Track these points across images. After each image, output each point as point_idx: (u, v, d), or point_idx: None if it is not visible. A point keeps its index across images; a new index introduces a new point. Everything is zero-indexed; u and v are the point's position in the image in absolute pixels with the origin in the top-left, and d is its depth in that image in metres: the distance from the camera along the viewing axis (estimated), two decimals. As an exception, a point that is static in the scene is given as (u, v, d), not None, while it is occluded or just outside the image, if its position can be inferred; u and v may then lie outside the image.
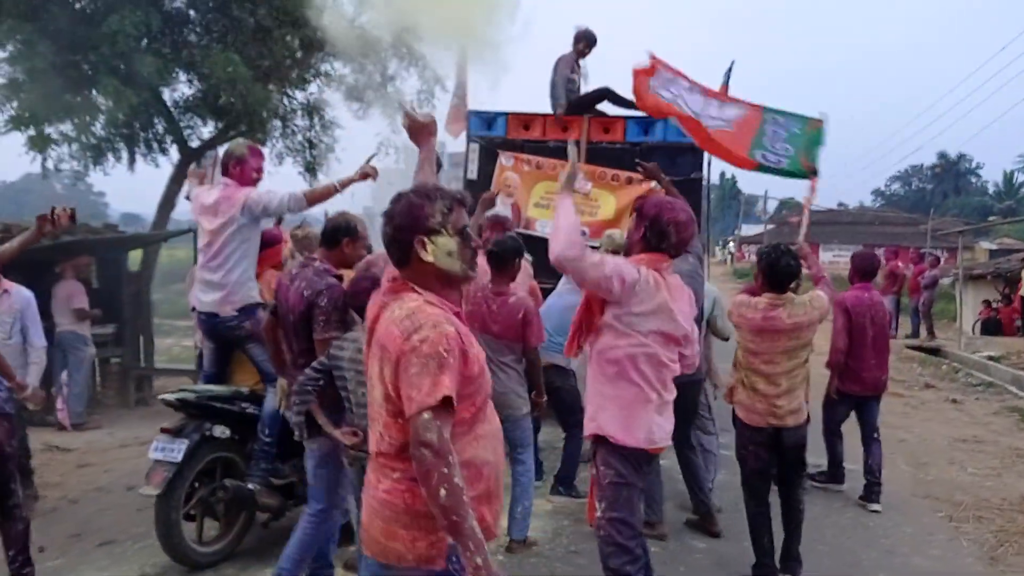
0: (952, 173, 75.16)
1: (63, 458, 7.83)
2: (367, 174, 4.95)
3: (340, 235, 4.38)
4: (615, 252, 6.58)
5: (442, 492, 2.06)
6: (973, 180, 76.69)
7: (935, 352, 16.99)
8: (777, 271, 4.64)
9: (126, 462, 7.57)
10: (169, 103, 11.50)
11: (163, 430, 4.79)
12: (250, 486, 4.91)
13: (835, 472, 6.88)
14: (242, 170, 5.10)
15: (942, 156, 72.81)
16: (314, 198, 5.05)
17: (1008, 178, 67.70)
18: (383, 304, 2.35)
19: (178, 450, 4.67)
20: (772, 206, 54.50)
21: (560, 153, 8.25)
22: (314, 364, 4.06)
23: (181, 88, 11.66)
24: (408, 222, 2.34)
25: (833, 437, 6.86)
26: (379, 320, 2.33)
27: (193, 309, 5.24)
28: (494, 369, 4.92)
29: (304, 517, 4.36)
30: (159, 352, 12.77)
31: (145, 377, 11.17)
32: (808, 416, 4.85)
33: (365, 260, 4.90)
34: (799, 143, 6.52)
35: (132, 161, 11.77)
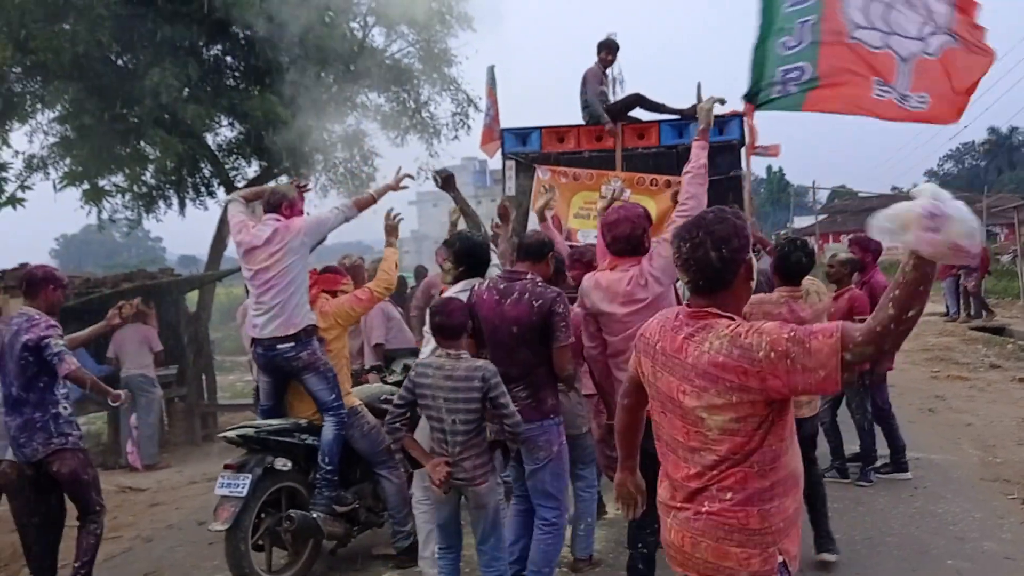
0: (1005, 148, 73.17)
1: (136, 498, 8.06)
2: (398, 184, 5.61)
3: (546, 250, 4.64)
4: None
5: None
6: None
7: (1000, 331, 16.55)
8: (790, 265, 4.73)
9: (195, 499, 7.79)
10: (213, 147, 11.84)
11: (227, 466, 4.93)
12: (314, 515, 5.03)
13: (898, 460, 6.76)
14: (292, 211, 5.40)
15: (992, 131, 70.96)
16: (361, 205, 5.57)
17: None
18: (688, 335, 2.36)
19: (243, 485, 4.80)
20: (823, 196, 53.66)
21: (596, 163, 8.29)
22: (396, 399, 4.14)
23: (223, 132, 12.02)
24: (743, 243, 2.36)
25: (891, 422, 6.75)
26: (684, 351, 2.35)
27: (253, 343, 5.32)
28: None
29: (537, 528, 4.40)
30: (222, 388, 13.07)
31: (210, 414, 11.44)
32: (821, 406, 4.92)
33: (426, 282, 4.98)
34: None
35: (182, 206, 12.14)
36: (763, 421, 2.26)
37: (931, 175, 78.04)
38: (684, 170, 4.01)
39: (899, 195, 53.48)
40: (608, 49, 8.71)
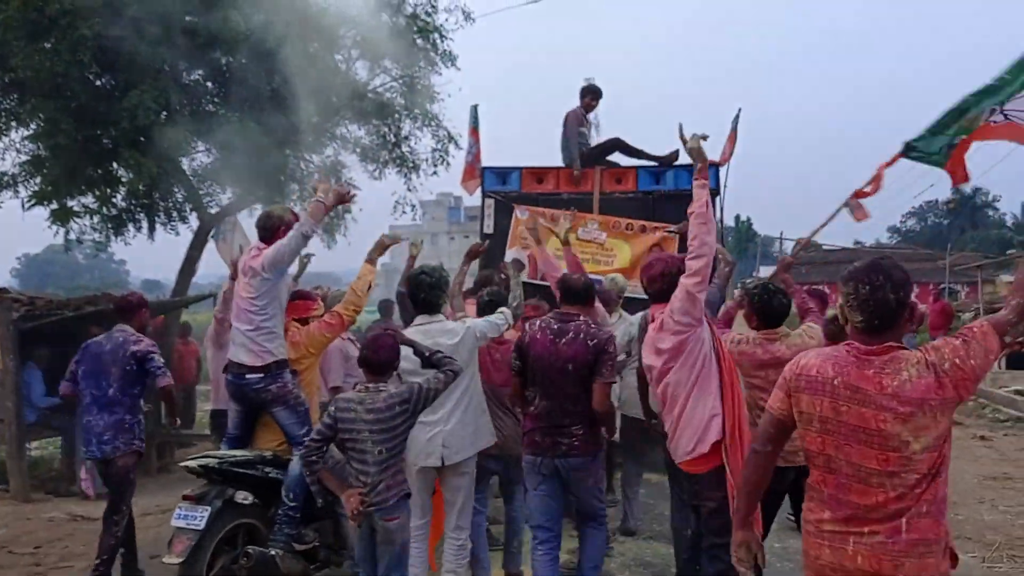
0: (968, 207, 74.78)
1: (87, 527, 7.79)
2: (342, 196, 5.38)
3: (592, 292, 5.08)
4: (619, 294, 6.71)
5: None
6: (991, 213, 76.26)
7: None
8: (772, 310, 4.77)
9: (148, 531, 7.53)
10: (188, 171, 11.74)
11: (185, 497, 4.79)
12: (272, 552, 4.88)
13: None
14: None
15: (956, 191, 72.52)
16: (316, 215, 5.10)
17: (1027, 210, 67.37)
18: (878, 368, 2.61)
19: (200, 517, 4.67)
20: (788, 246, 54.35)
21: (574, 205, 8.34)
22: (314, 434, 4.25)
23: (200, 157, 11.93)
24: (910, 289, 2.69)
25: None
26: (880, 383, 2.60)
27: (226, 368, 5.27)
28: (498, 413, 5.28)
29: (584, 527, 4.83)
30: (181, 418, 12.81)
31: (167, 443, 11.18)
32: None
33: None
34: None
35: (152, 230, 11.97)
36: (947, 434, 2.59)
37: (893, 231, 79.49)
38: (688, 210, 4.02)
39: (861, 249, 54.68)
40: (592, 94, 8.82)
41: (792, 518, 6.05)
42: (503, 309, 5.13)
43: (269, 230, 5.20)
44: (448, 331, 4.83)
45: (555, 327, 4.67)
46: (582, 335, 4.60)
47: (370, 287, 5.51)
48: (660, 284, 4.14)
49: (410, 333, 4.75)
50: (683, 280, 3.90)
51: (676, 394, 3.98)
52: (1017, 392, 14.06)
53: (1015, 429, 12.14)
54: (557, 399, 4.60)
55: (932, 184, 28.82)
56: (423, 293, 4.86)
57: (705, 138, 4.06)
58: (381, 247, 5.67)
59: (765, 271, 58.41)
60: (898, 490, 2.57)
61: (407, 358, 4.50)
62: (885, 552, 2.58)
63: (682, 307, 3.89)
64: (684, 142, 4.07)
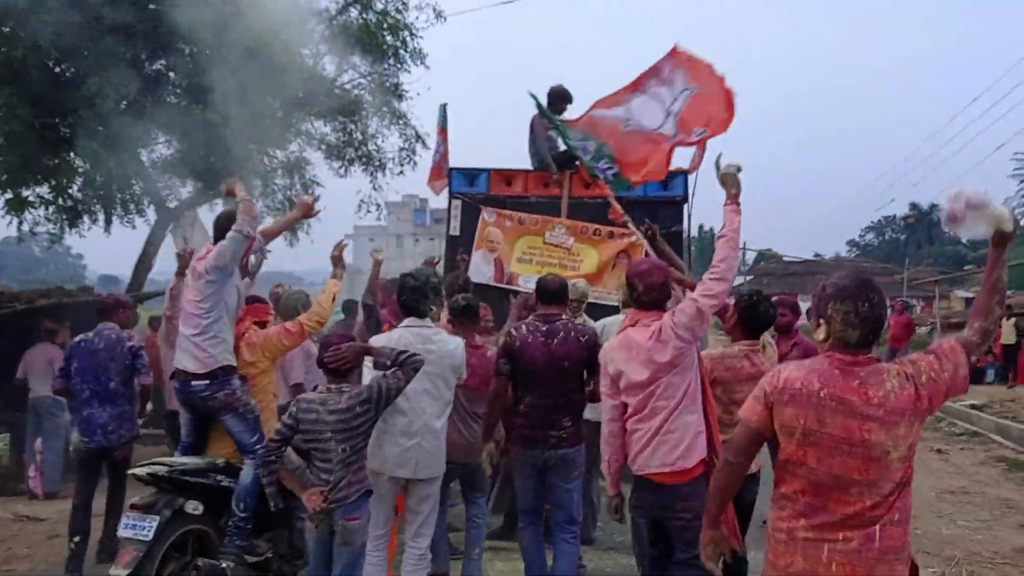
0: (924, 223, 76.30)
1: (33, 528, 7.54)
2: (307, 209, 5.52)
3: (567, 292, 5.23)
4: (579, 300, 6.57)
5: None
6: (946, 230, 77.72)
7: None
8: (758, 316, 4.63)
9: (98, 532, 7.27)
10: (147, 164, 11.47)
11: (133, 506, 4.60)
12: (223, 564, 4.71)
13: None
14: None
15: (914, 207, 73.95)
16: (246, 211, 4.98)
17: (982, 229, 68.62)
18: (862, 380, 2.69)
19: (148, 528, 4.49)
20: (750, 257, 54.92)
21: (542, 208, 8.26)
22: (273, 434, 4.27)
23: (160, 149, 11.67)
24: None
25: None
26: (865, 394, 2.67)
27: (173, 374, 5.13)
28: (467, 420, 5.22)
29: (559, 541, 4.91)
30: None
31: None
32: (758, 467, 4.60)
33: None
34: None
35: (108, 223, 11.68)
36: (916, 444, 2.71)
37: (852, 245, 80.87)
38: (719, 234, 4.01)
39: (821, 261, 55.46)
40: (561, 98, 8.72)
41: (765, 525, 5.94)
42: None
43: (227, 231, 5.00)
44: (444, 338, 4.69)
45: (544, 328, 4.89)
46: (573, 333, 4.88)
47: (334, 300, 5.42)
48: (658, 293, 4.11)
49: (399, 334, 4.63)
50: (699, 298, 3.89)
51: (660, 406, 3.92)
52: (972, 406, 14.26)
53: (971, 443, 12.28)
54: (551, 396, 4.84)
55: (892, 199, 29.34)
56: (404, 296, 4.70)
57: (740, 169, 4.04)
58: (337, 260, 5.59)
59: (727, 280, 58.83)
60: (875, 498, 2.65)
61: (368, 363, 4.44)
62: (859, 559, 2.63)
63: (690, 323, 3.87)
64: (717, 168, 4.05)
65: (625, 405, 4.08)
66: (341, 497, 4.13)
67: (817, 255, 61.91)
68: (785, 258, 54.84)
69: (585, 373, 4.93)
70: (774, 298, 6.21)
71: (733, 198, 3.98)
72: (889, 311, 20.28)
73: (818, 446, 2.69)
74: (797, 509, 2.75)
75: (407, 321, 4.71)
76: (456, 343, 4.76)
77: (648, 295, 4.10)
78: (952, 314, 24.08)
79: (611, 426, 4.13)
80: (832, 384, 2.69)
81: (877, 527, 2.64)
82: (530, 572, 5.00)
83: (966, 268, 39.60)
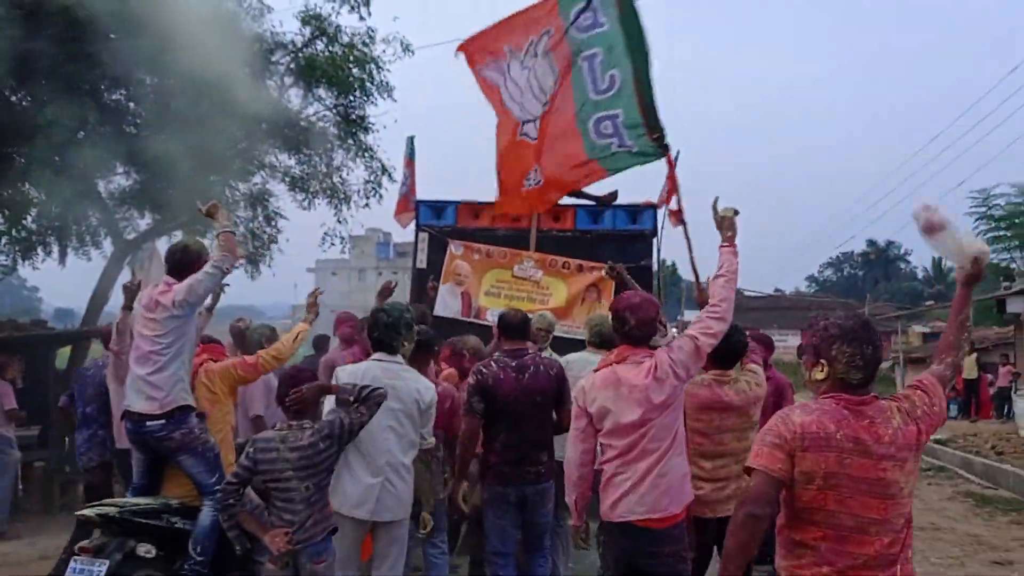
0: (882, 259, 77.72)
1: (-23, 570, 7.20)
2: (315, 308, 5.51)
3: (529, 325, 5.34)
4: (546, 331, 6.40)
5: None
6: (902, 266, 79.36)
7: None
8: (730, 346, 4.43)
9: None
10: (104, 195, 11.17)
11: (81, 549, 4.37)
12: (179, 612, 4.46)
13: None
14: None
15: (871, 243, 75.35)
16: (224, 245, 4.85)
17: (937, 264, 70.01)
18: (871, 419, 2.71)
19: (98, 572, 4.27)
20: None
21: (510, 241, 8.17)
22: (231, 476, 4.18)
23: (118, 180, 11.37)
24: None
25: None
26: (876, 433, 2.69)
27: (123, 415, 4.88)
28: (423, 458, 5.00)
29: (534, 567, 5.03)
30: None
31: (71, 482, 10.47)
32: None
33: (326, 359, 4.83)
34: (633, 116, 6.12)
35: (63, 255, 11.35)
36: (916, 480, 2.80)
37: (811, 280, 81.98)
38: (716, 274, 3.98)
39: (782, 296, 56.09)
40: None
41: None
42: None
43: (185, 265, 4.82)
44: (409, 377, 4.56)
45: (513, 364, 4.90)
46: (542, 367, 4.95)
47: (298, 339, 5.28)
48: (650, 328, 3.99)
49: (367, 366, 4.54)
50: (699, 335, 3.82)
51: (650, 448, 3.77)
52: (936, 441, 14.33)
53: (937, 477, 12.33)
54: (525, 431, 4.84)
55: (853, 236, 29.75)
56: (377, 332, 4.61)
57: (737, 212, 4.01)
58: (311, 307, 5.53)
59: (690, 315, 59.48)
60: (891, 536, 2.69)
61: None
62: None
63: (687, 360, 3.80)
64: (715, 211, 4.02)
65: (597, 447, 3.93)
66: (307, 537, 4.01)
67: (778, 290, 62.60)
68: (747, 293, 55.35)
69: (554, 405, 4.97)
70: (749, 332, 6.15)
71: (730, 240, 3.97)
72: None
73: (838, 489, 2.67)
74: (819, 556, 2.71)
75: (377, 355, 4.60)
76: (427, 386, 4.62)
77: (641, 329, 3.96)
78: (912, 349, 24.34)
79: (582, 470, 3.97)
80: (846, 425, 2.69)
81: (898, 567, 2.69)
82: None
83: (929, 303, 40.22)
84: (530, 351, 5.08)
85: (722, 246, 3.97)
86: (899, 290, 67.08)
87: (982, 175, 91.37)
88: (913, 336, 36.58)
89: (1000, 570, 7.26)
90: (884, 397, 2.82)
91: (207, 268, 4.71)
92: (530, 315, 7.01)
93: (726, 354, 4.49)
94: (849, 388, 2.75)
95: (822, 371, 2.79)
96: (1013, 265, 25.13)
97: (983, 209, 25.69)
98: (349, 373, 4.47)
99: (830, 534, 2.69)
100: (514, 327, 5.08)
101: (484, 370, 4.90)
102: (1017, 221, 25.17)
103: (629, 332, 3.96)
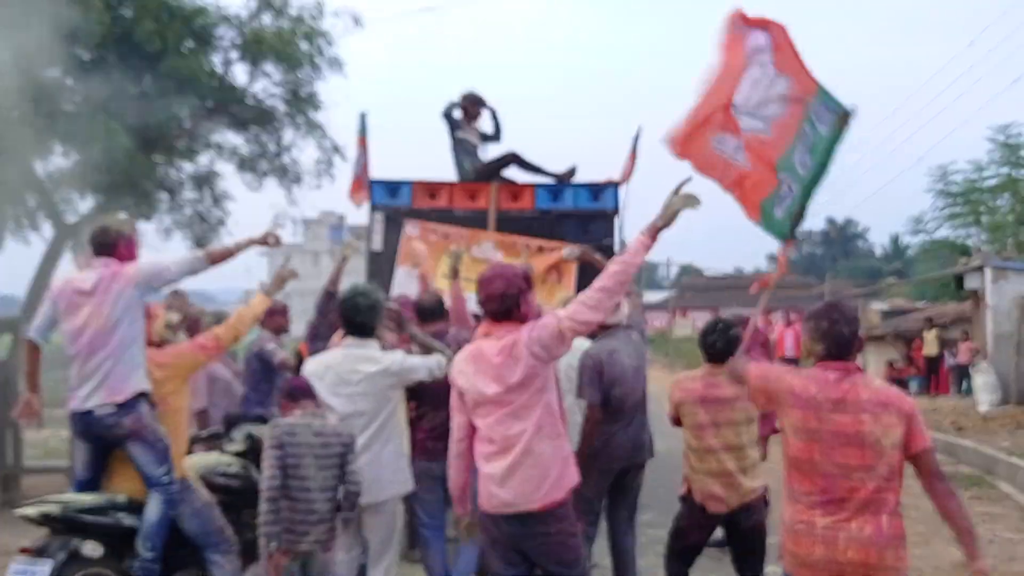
0: (840, 238, 78.97)
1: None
2: (267, 240, 5.01)
3: (443, 307, 5.45)
4: None
5: (961, 505, 3.13)
6: (861, 244, 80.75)
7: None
8: (726, 341, 4.47)
9: None
10: (42, 176, 10.72)
11: (23, 550, 4.16)
12: (127, 612, 4.25)
13: None
14: (130, 250, 4.62)
15: (830, 221, 76.45)
16: (215, 258, 4.75)
17: (895, 241, 71.30)
18: (852, 384, 3.11)
19: (40, 574, 4.06)
20: (674, 272, 55.86)
21: (469, 221, 7.96)
22: (271, 470, 4.06)
23: (56, 160, 10.92)
24: (858, 323, 3.25)
25: None
26: (856, 393, 3.09)
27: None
28: None
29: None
30: (32, 446, 11.59)
31: (13, 476, 10.08)
32: (767, 498, 4.55)
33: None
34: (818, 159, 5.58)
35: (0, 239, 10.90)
36: (901, 444, 3.07)
37: (772, 259, 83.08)
38: (616, 259, 3.67)
39: (743, 276, 56.76)
40: (470, 102, 8.45)
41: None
42: (439, 358, 4.73)
43: (107, 246, 4.56)
44: (370, 358, 4.50)
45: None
46: (461, 347, 4.72)
47: (254, 317, 5.03)
48: (499, 304, 3.66)
49: (331, 354, 4.60)
50: (564, 319, 3.48)
51: (515, 432, 3.56)
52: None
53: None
54: (442, 410, 4.56)
55: (813, 214, 30.20)
56: (360, 317, 4.53)
57: (696, 206, 3.69)
58: (280, 280, 5.21)
59: (650, 296, 59.91)
60: (876, 482, 3.04)
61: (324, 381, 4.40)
62: (872, 545, 3.02)
63: (548, 341, 3.50)
64: (674, 193, 3.66)
65: (473, 426, 3.74)
66: (324, 540, 4.07)
67: (738, 270, 63.37)
68: (707, 272, 55.96)
69: None
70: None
71: (655, 231, 3.61)
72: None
73: (821, 441, 3.11)
74: (812, 501, 3.13)
75: (347, 342, 4.57)
76: (384, 356, 4.60)
77: (490, 305, 3.68)
78: (872, 326, 24.62)
79: (459, 446, 3.80)
80: (826, 390, 3.12)
81: (884, 516, 3.04)
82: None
83: (890, 280, 40.87)
84: (450, 332, 5.15)
85: (644, 233, 3.62)
86: (858, 268, 68.13)
87: (938, 151, 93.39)
88: (872, 314, 37.16)
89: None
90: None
91: (187, 259, 4.71)
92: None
93: (722, 350, 4.45)
94: (827, 359, 3.18)
95: (804, 348, 3.34)
96: (970, 241, 25.55)
97: (940, 186, 26.01)
98: (313, 366, 4.47)
99: (819, 481, 3.13)
100: (427, 310, 5.31)
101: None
102: (973, 197, 25.53)
103: (482, 305, 3.75)
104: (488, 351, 3.64)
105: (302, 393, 4.17)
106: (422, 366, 4.65)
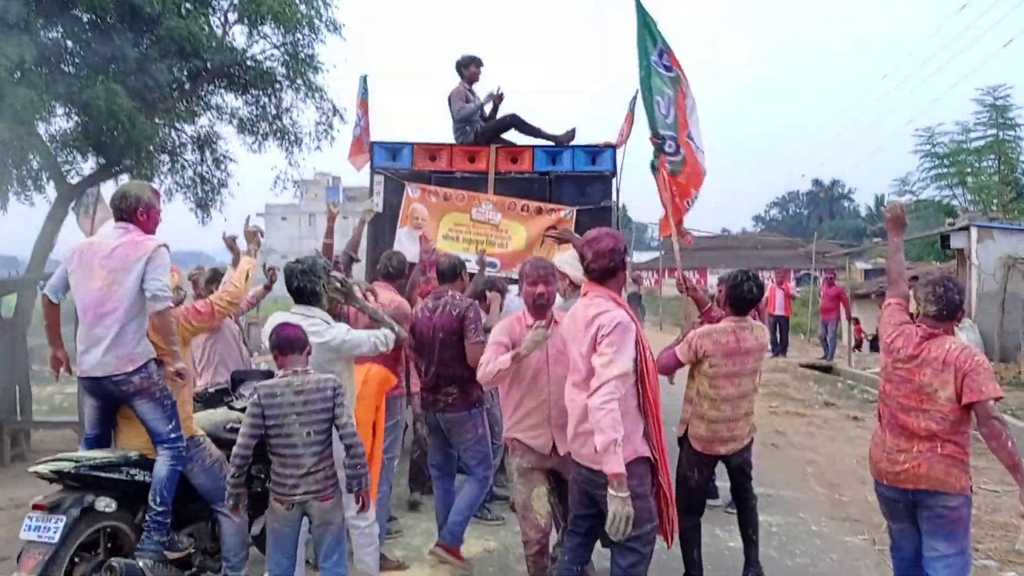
0: (827, 198, 78.96)
1: None
2: (256, 239, 5.33)
3: (459, 271, 5.82)
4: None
5: (1011, 444, 3.75)
6: (846, 204, 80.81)
7: (828, 370, 17.54)
8: (743, 295, 4.94)
9: (1, 528, 6.86)
10: (45, 137, 10.73)
11: (36, 506, 4.21)
12: (140, 563, 4.39)
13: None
14: (149, 216, 4.65)
15: (816, 183, 76.40)
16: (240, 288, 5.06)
17: (880, 202, 71.20)
18: (930, 342, 3.99)
19: (54, 529, 4.12)
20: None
21: (468, 184, 8.09)
22: (242, 435, 4.11)
23: (58, 122, 10.92)
24: (963, 295, 4.18)
25: None
26: (928, 350, 3.97)
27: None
28: None
29: (468, 483, 5.54)
30: (39, 402, 11.83)
31: (22, 431, 10.30)
32: (751, 436, 5.16)
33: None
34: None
35: (4, 200, 10.93)
36: (958, 398, 3.84)
37: (758, 219, 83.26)
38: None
39: (729, 236, 56.79)
40: (472, 63, 8.55)
41: (731, 511, 6.00)
42: (386, 332, 4.88)
43: (125, 211, 4.60)
44: (314, 330, 4.51)
45: (431, 304, 5.63)
46: (447, 307, 5.54)
47: (248, 277, 5.11)
48: (607, 261, 3.97)
49: (279, 315, 4.70)
50: (603, 381, 3.67)
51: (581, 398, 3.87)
52: (877, 373, 14.74)
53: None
54: (434, 364, 5.51)
55: (803, 174, 30.14)
56: (296, 281, 4.64)
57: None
58: (251, 236, 5.33)
59: (639, 256, 59.99)
60: (932, 420, 3.92)
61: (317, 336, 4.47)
62: (923, 461, 3.93)
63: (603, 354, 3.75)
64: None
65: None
66: (317, 490, 4.09)
67: (725, 230, 63.47)
68: (694, 233, 55.98)
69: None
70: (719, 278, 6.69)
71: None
72: (822, 284, 21.01)
73: (891, 381, 4.11)
74: (885, 423, 4.15)
75: (294, 308, 4.67)
76: (326, 329, 4.66)
77: (598, 262, 3.96)
78: (857, 285, 24.87)
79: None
80: (908, 343, 4.05)
81: (939, 442, 3.92)
82: (439, 519, 5.73)
83: (876, 240, 40.97)
84: (449, 294, 5.63)
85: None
86: (843, 228, 68.30)
87: (926, 114, 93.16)
88: (856, 272, 37.36)
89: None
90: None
91: (215, 300, 4.95)
92: (496, 260, 7.20)
93: (738, 302, 4.96)
94: (929, 319, 4.04)
95: (913, 306, 4.20)
96: (955, 202, 25.75)
97: (927, 147, 26.14)
98: (269, 324, 4.53)
99: (886, 410, 4.15)
100: (442, 272, 5.79)
101: (416, 309, 5.76)
102: (959, 159, 25.68)
103: (588, 265, 4.01)
104: (580, 316, 3.93)
105: (290, 346, 4.15)
106: (366, 340, 4.75)
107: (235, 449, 4.10)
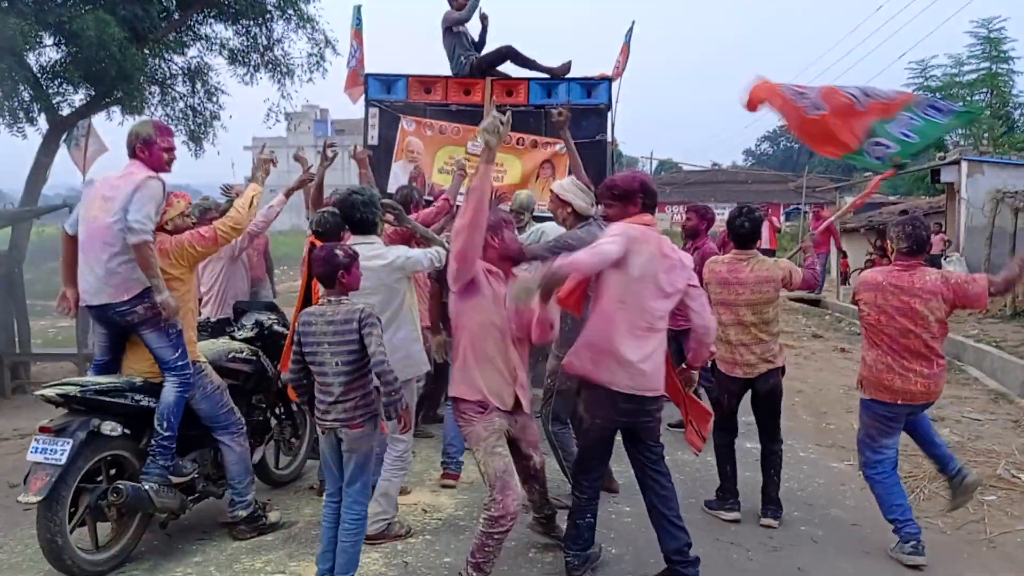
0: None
1: None
2: (266, 166, 5.36)
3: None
4: (519, 212, 6.59)
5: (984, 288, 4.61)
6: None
7: (816, 303, 17.78)
8: (735, 230, 5.31)
9: (5, 458, 6.98)
10: (35, 68, 10.58)
11: (42, 429, 4.30)
12: (146, 487, 4.53)
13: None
14: (150, 152, 4.71)
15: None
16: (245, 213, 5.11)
17: (869, 136, 70.96)
18: (911, 274, 4.69)
19: (61, 451, 4.21)
20: (654, 167, 55.55)
21: (464, 117, 8.06)
22: (292, 361, 4.28)
23: (48, 52, 10.74)
24: (931, 230, 5.05)
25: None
26: (912, 281, 4.67)
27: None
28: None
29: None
30: (35, 335, 11.90)
31: (21, 363, 10.41)
32: (783, 367, 5.35)
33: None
34: (927, 135, 6.21)
35: (-6, 133, 10.82)
36: (946, 320, 4.68)
37: (748, 154, 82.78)
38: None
39: (719, 171, 56.52)
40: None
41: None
42: (438, 248, 5.15)
43: (128, 148, 4.72)
44: (377, 254, 4.81)
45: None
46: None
47: (253, 204, 5.12)
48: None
49: None
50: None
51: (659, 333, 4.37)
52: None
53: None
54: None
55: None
56: (359, 212, 4.86)
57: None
58: (263, 166, 5.35)
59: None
60: (924, 339, 4.66)
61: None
62: (929, 378, 4.72)
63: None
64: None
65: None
66: (345, 418, 4.13)
67: (715, 164, 63.21)
68: (684, 167, 55.84)
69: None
70: (687, 207, 6.91)
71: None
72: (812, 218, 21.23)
73: (885, 313, 4.72)
74: (885, 349, 4.74)
75: (352, 239, 4.84)
76: (389, 251, 4.95)
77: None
78: (846, 220, 24.98)
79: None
80: (892, 277, 4.73)
81: (934, 361, 4.70)
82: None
83: (867, 174, 40.93)
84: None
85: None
86: (833, 163, 68.00)
87: (920, 47, 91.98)
88: (845, 206, 37.37)
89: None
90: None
91: (218, 226, 4.96)
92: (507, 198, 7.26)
93: (739, 236, 5.31)
94: (903, 256, 4.74)
95: (890, 246, 4.82)
96: (945, 136, 25.69)
97: (920, 80, 26.00)
98: None
99: (886, 337, 4.74)
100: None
101: None
102: (952, 92, 25.56)
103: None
104: (669, 252, 4.33)
105: (324, 278, 4.18)
106: (424, 257, 5.01)
107: (285, 374, 4.57)
